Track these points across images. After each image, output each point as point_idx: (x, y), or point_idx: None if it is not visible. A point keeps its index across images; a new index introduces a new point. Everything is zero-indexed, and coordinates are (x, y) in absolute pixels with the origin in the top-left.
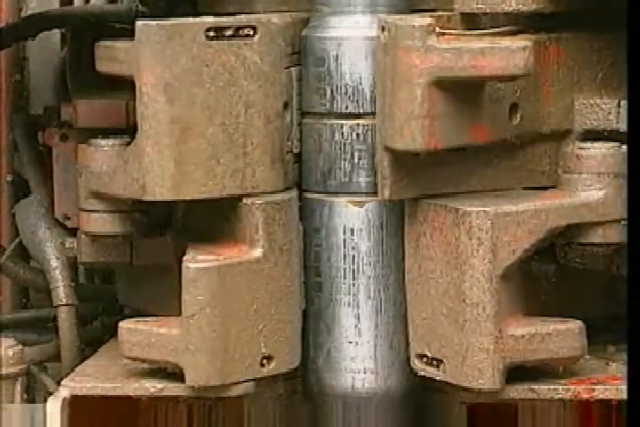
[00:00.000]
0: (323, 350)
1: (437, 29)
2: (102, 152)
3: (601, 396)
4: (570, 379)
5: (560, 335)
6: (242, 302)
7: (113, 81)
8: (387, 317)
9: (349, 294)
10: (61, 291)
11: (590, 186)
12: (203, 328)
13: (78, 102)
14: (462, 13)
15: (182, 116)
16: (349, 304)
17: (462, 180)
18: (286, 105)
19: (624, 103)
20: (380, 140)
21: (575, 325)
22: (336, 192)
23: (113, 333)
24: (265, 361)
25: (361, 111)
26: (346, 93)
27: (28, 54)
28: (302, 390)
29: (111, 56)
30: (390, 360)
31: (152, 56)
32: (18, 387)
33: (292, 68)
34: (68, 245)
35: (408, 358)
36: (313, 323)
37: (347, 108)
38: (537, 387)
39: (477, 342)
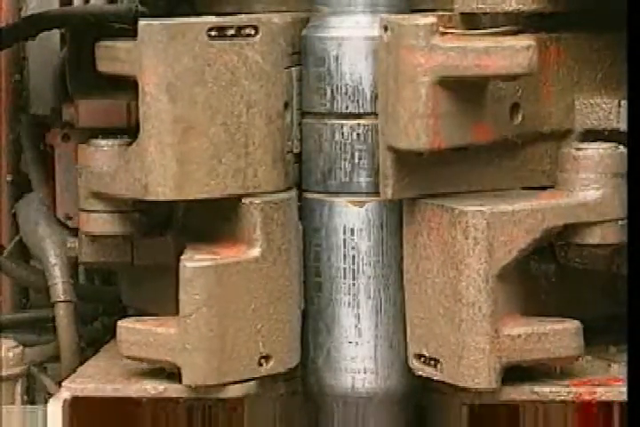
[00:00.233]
0: (322, 350)
1: (440, 29)
2: (102, 152)
3: (603, 397)
4: (571, 380)
5: (557, 335)
6: (239, 302)
7: (113, 81)
8: (387, 317)
9: (349, 294)
10: (59, 287)
11: (588, 186)
12: (200, 328)
13: (79, 102)
14: (462, 13)
15: (185, 115)
16: (349, 304)
17: (463, 179)
18: (287, 105)
19: (624, 103)
20: (382, 139)
21: (572, 324)
22: (336, 192)
23: (113, 333)
24: (263, 361)
25: (361, 111)
26: (346, 93)
27: (28, 54)
28: (302, 390)
29: (113, 56)
30: (390, 360)
31: (155, 55)
32: (18, 388)
33: (293, 68)
34: (69, 245)
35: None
36: (313, 323)
37: (347, 108)
38: (538, 388)
39: (473, 342)
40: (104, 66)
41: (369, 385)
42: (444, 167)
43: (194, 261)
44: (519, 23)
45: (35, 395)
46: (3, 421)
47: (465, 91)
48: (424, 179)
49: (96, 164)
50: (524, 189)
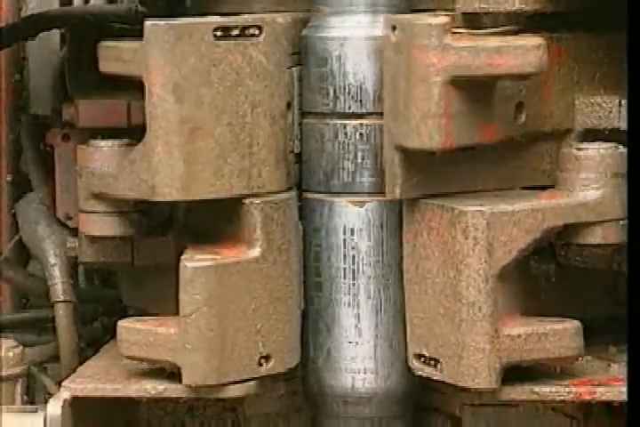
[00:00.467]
0: (323, 350)
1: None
2: (102, 153)
3: (603, 397)
4: (571, 380)
5: (557, 335)
6: (240, 302)
7: (113, 81)
8: (387, 317)
9: (349, 294)
10: (59, 287)
11: (587, 186)
12: (200, 327)
13: (79, 102)
14: (464, 13)
15: (191, 116)
16: (349, 304)
17: (470, 179)
18: (289, 105)
19: (625, 102)
20: (389, 139)
21: (572, 324)
22: (339, 192)
23: (113, 334)
24: (263, 361)
25: (364, 111)
26: (349, 93)
27: (28, 54)
28: (302, 390)
29: (117, 56)
30: (390, 360)
31: (161, 56)
32: (18, 388)
33: (293, 68)
34: (69, 245)
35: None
36: (313, 323)
37: (350, 108)
38: (538, 388)
39: (473, 342)
40: (107, 66)
41: (369, 385)
42: (451, 167)
43: (194, 261)
44: (519, 23)
45: (35, 395)
46: (2, 420)
47: (475, 90)
48: (432, 178)
49: (96, 165)
50: (524, 189)
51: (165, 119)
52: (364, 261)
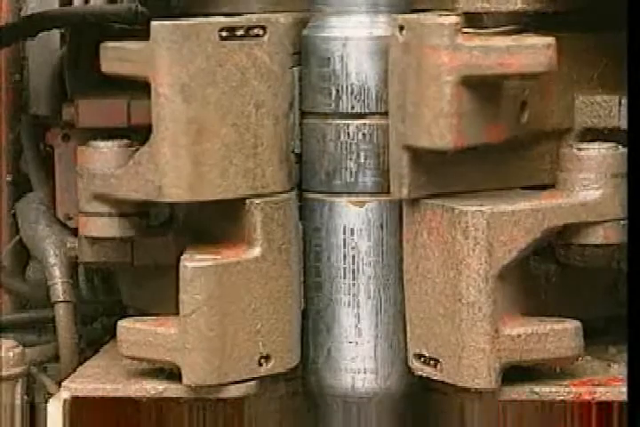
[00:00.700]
0: (323, 349)
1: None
2: (102, 154)
3: (603, 397)
4: (571, 380)
5: (557, 335)
6: (240, 302)
7: (113, 81)
8: (387, 317)
9: (349, 294)
10: (59, 287)
11: (587, 186)
12: (200, 327)
13: (79, 102)
14: (465, 13)
15: (198, 116)
16: (349, 304)
17: (475, 178)
18: (291, 105)
19: (625, 101)
20: (396, 139)
21: (572, 325)
22: (339, 192)
23: (113, 334)
24: (263, 361)
25: (367, 111)
26: (352, 93)
27: (28, 54)
28: (302, 390)
29: (121, 57)
30: (390, 360)
31: (169, 56)
32: (18, 388)
33: (295, 69)
34: (69, 245)
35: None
36: (313, 323)
37: (352, 108)
38: (538, 388)
39: (473, 342)
40: (111, 67)
41: (369, 385)
42: (457, 167)
43: (194, 261)
44: (520, 23)
45: (35, 395)
46: (2, 420)
47: (484, 90)
48: (439, 178)
49: (96, 166)
50: (524, 188)
51: (173, 120)
52: (364, 261)
